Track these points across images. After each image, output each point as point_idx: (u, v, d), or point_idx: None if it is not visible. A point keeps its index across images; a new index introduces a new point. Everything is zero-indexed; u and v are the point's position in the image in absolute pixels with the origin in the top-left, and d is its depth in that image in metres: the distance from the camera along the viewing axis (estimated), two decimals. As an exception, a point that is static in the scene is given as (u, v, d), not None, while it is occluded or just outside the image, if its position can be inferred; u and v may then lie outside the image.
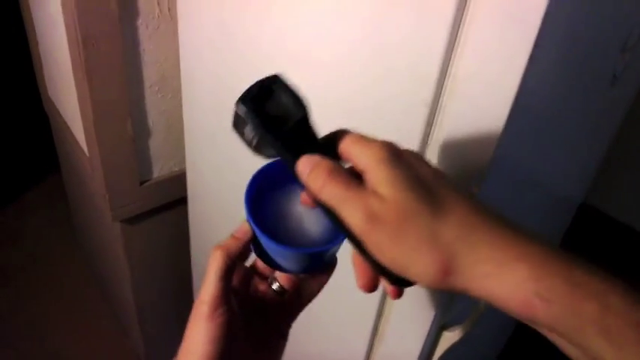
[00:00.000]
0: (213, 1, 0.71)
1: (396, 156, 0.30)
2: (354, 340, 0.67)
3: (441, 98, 0.45)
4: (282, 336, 0.41)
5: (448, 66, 0.43)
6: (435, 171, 0.31)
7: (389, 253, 0.29)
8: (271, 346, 0.40)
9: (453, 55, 0.42)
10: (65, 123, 1.22)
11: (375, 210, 0.28)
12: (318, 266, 0.40)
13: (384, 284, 0.33)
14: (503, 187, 0.53)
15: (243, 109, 0.33)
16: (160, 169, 1.07)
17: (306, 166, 0.32)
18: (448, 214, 0.28)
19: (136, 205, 1.06)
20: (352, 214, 0.29)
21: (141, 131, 0.98)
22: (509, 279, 0.26)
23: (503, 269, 0.27)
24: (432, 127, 0.47)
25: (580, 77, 0.53)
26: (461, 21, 0.40)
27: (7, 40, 1.90)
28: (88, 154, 1.06)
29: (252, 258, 0.40)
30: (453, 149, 0.46)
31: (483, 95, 0.42)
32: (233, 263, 0.35)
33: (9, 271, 1.80)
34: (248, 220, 0.36)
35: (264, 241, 0.35)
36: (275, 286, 0.41)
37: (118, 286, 1.37)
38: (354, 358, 0.68)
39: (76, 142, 1.14)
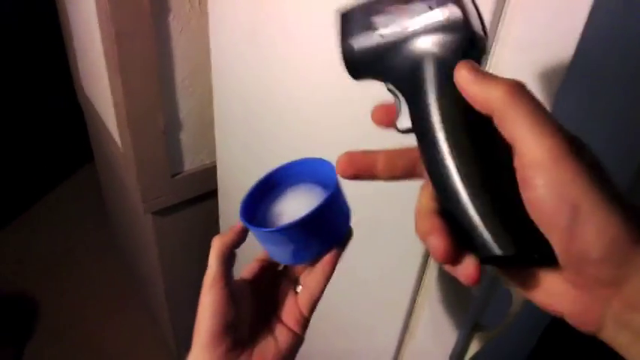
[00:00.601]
0: (244, -5, 0.71)
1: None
2: (385, 335, 0.66)
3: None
4: (294, 333, 0.42)
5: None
6: None
7: (571, 202, 0.22)
8: (280, 336, 0.42)
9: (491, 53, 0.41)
10: (99, 116, 1.25)
11: (572, 151, 0.22)
12: (322, 246, 0.41)
13: (468, 261, 0.25)
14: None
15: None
16: (191, 162, 1.08)
17: (476, 70, 0.25)
18: None
19: (167, 198, 1.08)
20: (539, 140, 0.22)
21: (172, 125, 0.99)
22: None
23: None
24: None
25: (623, 75, 0.51)
26: (499, 17, 0.39)
27: (44, 35, 1.95)
28: (120, 147, 1.08)
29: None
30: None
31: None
32: (229, 250, 0.41)
33: (45, 263, 1.86)
34: (242, 222, 0.40)
35: (257, 234, 0.39)
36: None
37: (150, 277, 1.40)
38: (384, 354, 0.67)
39: (110, 135, 1.17)
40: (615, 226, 0.21)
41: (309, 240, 0.39)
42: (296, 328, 0.42)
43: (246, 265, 0.45)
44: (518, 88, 0.24)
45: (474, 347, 0.59)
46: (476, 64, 0.26)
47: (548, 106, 0.39)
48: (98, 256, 1.88)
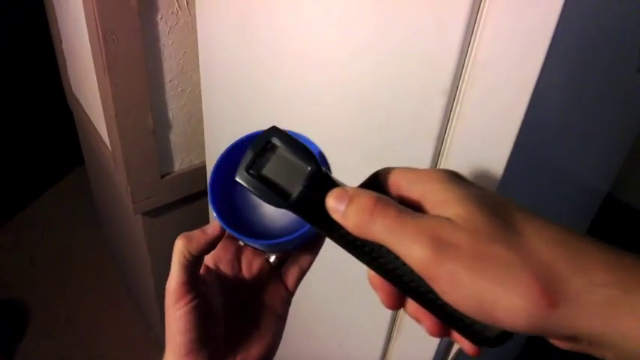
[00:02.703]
0: (231, -7, 0.71)
1: (457, 176, 0.26)
2: (373, 328, 0.66)
3: (459, 86, 0.44)
4: (278, 316, 0.38)
5: (467, 52, 0.42)
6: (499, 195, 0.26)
7: (467, 288, 0.22)
8: (264, 326, 0.37)
9: (472, 41, 0.41)
10: (88, 117, 1.24)
11: (442, 234, 0.22)
12: (306, 241, 0.36)
13: (456, 338, 0.27)
14: (526, 176, 0.53)
15: (242, 183, 0.28)
16: (180, 162, 1.08)
17: (342, 199, 0.26)
18: (538, 232, 0.22)
19: (157, 198, 1.08)
20: (411, 246, 0.23)
21: (162, 125, 1.00)
22: None
23: (634, 294, 0.20)
24: (451, 116, 0.46)
25: (604, 63, 0.52)
26: (480, 2, 0.40)
27: (32, 38, 1.94)
28: (110, 148, 1.08)
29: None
30: (472, 138, 0.46)
31: (504, 81, 0.41)
32: (196, 258, 0.34)
33: (37, 264, 1.85)
34: (217, 219, 0.34)
35: (238, 237, 0.33)
36: (272, 258, 0.39)
37: (141, 278, 1.40)
38: (372, 351, 0.68)
39: (99, 136, 1.16)
40: (523, 295, 0.21)
41: (296, 244, 0.37)
42: (279, 309, 0.38)
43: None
44: (367, 213, 0.24)
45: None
46: (338, 192, 0.26)
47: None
48: (90, 257, 1.87)
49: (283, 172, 0.28)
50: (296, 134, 0.34)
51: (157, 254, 1.21)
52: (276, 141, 0.28)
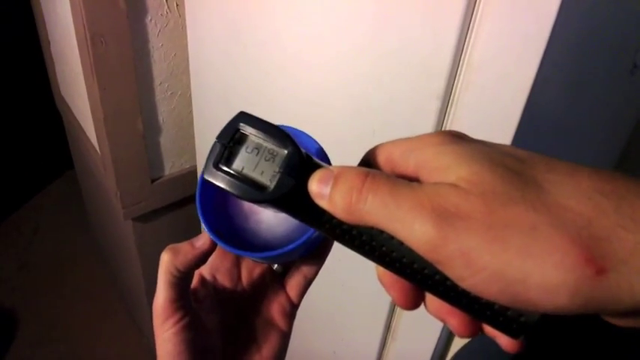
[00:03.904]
0: (221, -5, 0.70)
1: (458, 136, 0.22)
2: (367, 335, 0.66)
3: (453, 90, 0.43)
4: (281, 331, 0.34)
5: (461, 56, 0.41)
6: (511, 147, 0.21)
7: (487, 268, 0.17)
8: (265, 342, 0.34)
9: (465, 44, 0.41)
10: (77, 121, 1.23)
11: (445, 204, 0.18)
12: (311, 248, 0.33)
13: (489, 331, 0.23)
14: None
15: (211, 180, 0.25)
16: (171, 167, 1.07)
17: (326, 181, 0.22)
18: (566, 182, 0.18)
19: (147, 203, 1.06)
20: (411, 224, 0.19)
21: (151, 128, 0.98)
22: None
23: None
24: (445, 120, 0.45)
25: (598, 67, 0.51)
26: (474, 6, 0.39)
27: (20, 40, 1.92)
28: (99, 152, 1.06)
29: None
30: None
31: (499, 85, 0.40)
32: (184, 274, 0.31)
33: (26, 271, 1.82)
34: (207, 231, 0.30)
35: (232, 251, 0.30)
36: (275, 265, 0.36)
37: (132, 284, 1.38)
38: (367, 355, 0.67)
39: (88, 140, 1.15)
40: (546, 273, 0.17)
41: (299, 253, 0.33)
42: (282, 323, 0.34)
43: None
44: (355, 192, 0.21)
45: (457, 344, 0.59)
46: (321, 174, 0.22)
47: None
48: (81, 263, 1.85)
49: (258, 161, 0.24)
50: (298, 130, 0.32)
51: (148, 260, 1.19)
52: (245, 128, 0.25)
